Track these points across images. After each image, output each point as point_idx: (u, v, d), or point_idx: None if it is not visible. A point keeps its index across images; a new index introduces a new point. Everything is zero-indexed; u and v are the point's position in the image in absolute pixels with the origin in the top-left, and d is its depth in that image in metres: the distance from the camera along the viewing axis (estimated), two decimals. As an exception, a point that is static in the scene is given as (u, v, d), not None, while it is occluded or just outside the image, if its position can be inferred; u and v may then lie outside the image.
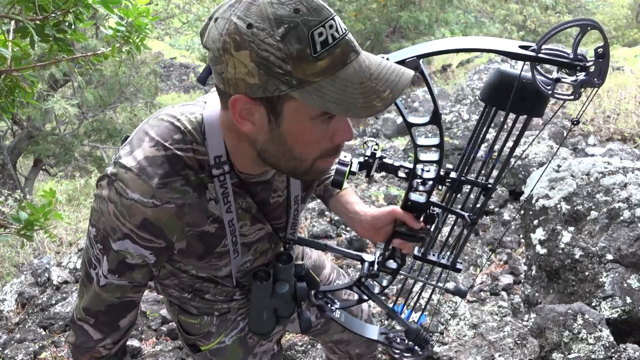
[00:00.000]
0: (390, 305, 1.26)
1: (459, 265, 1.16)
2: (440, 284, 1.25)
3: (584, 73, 0.76)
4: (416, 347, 1.25)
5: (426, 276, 1.29)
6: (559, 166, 2.56)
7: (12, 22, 1.53)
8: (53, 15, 1.48)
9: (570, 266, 2.18)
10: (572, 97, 0.78)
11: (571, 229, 2.28)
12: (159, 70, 8.56)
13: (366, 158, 1.04)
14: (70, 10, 1.51)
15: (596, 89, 0.77)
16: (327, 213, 3.48)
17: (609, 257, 2.10)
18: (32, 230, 1.62)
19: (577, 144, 4.39)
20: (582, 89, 0.77)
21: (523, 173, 3.57)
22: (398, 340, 1.28)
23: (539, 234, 2.35)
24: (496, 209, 3.38)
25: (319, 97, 0.73)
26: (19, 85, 1.61)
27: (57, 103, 5.87)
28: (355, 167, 1.03)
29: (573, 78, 0.77)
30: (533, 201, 2.49)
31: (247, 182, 0.97)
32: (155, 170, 0.85)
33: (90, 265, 0.95)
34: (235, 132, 0.87)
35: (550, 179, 2.49)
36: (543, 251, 2.30)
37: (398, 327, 1.34)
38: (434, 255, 1.18)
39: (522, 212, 2.61)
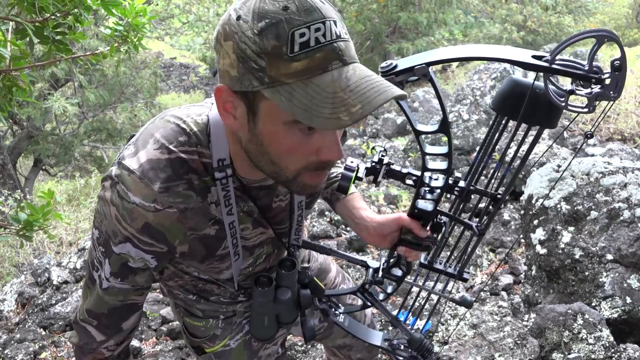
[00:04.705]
0: (394, 313, 1.23)
1: (465, 275, 1.12)
2: (445, 294, 1.21)
3: (599, 86, 0.73)
4: (419, 357, 1.22)
5: (431, 284, 1.26)
6: (559, 166, 2.56)
7: (12, 23, 1.52)
8: (53, 17, 1.48)
9: (570, 266, 2.18)
10: (586, 109, 0.75)
11: (571, 229, 2.28)
12: (159, 71, 8.56)
13: (373, 164, 1.01)
14: (71, 12, 1.50)
15: (612, 102, 0.73)
16: (327, 213, 3.48)
17: (609, 257, 2.10)
18: (32, 230, 1.61)
19: (577, 144, 4.39)
20: (597, 102, 0.74)
21: (523, 173, 3.56)
22: (402, 347, 1.24)
23: (539, 234, 2.35)
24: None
25: (287, 99, 0.70)
26: (16, 85, 1.60)
27: (57, 102, 5.85)
28: (362, 173, 1.01)
29: (588, 90, 0.74)
30: (533, 201, 2.48)
31: (249, 187, 0.96)
32: (158, 174, 0.84)
33: (93, 267, 0.95)
34: (233, 134, 0.86)
35: (550, 179, 2.49)
36: (543, 251, 2.30)
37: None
38: (440, 263, 1.14)
39: (522, 212, 2.61)
